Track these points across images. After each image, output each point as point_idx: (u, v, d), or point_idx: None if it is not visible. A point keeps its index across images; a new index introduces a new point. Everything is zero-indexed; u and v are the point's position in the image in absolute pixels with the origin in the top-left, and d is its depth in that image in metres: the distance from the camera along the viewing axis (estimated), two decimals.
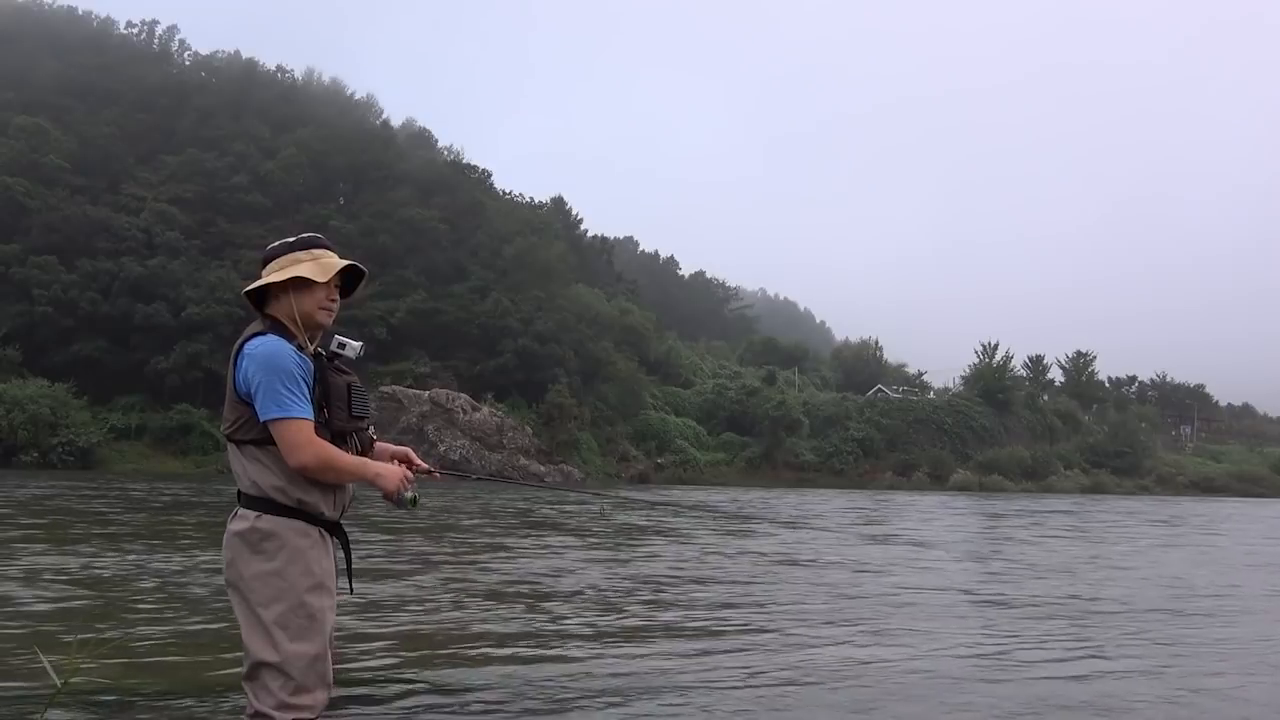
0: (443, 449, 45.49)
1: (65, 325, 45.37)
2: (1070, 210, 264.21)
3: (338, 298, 2.97)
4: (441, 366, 51.41)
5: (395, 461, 3.07)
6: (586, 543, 14.08)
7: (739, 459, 59.56)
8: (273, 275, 2.88)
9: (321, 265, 2.88)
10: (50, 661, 2.93)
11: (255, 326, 2.87)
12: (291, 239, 2.97)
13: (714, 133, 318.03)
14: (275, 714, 2.72)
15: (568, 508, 21.41)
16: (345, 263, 2.94)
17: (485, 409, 48.99)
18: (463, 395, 49.00)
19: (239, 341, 2.85)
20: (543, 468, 48.40)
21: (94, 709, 4.46)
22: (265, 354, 2.75)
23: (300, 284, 2.87)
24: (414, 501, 2.94)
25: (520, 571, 10.37)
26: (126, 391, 45.67)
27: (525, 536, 14.79)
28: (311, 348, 2.92)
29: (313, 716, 2.77)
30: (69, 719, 4.31)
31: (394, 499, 2.91)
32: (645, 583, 9.69)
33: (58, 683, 2.76)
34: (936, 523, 22.62)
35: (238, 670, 2.90)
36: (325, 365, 2.90)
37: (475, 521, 17.43)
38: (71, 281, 45.95)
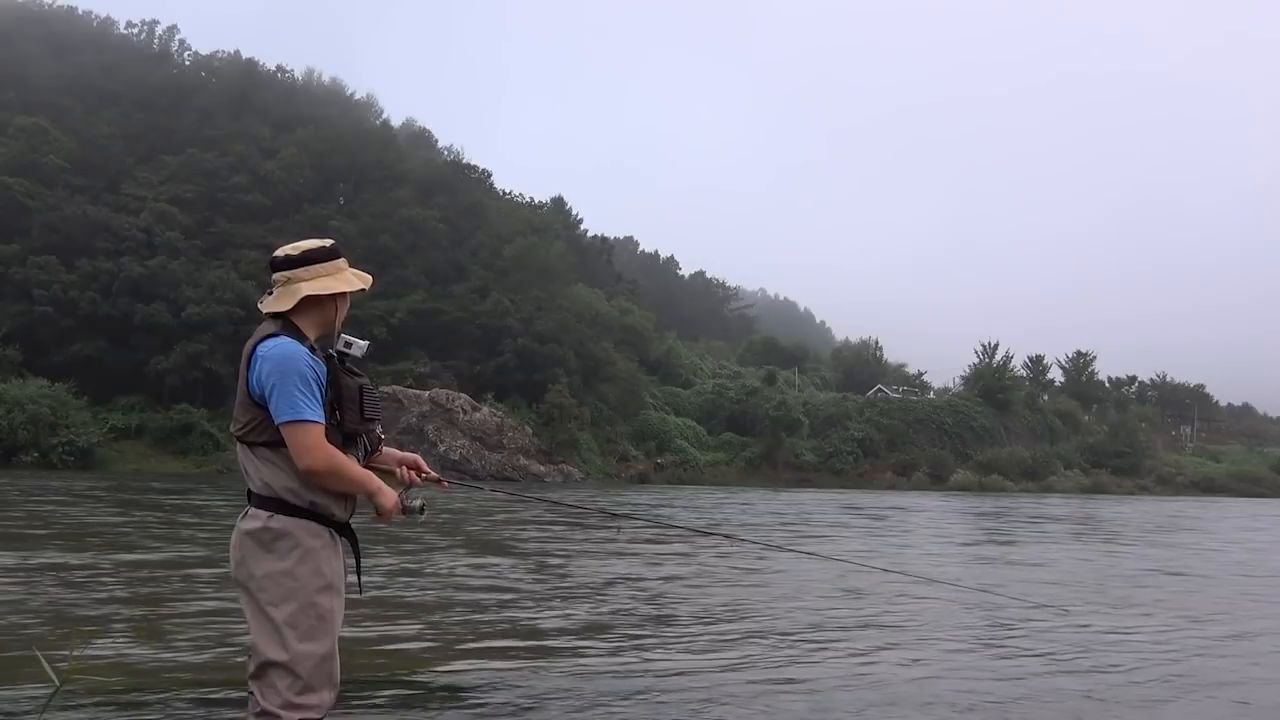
0: (443, 449, 45.46)
1: (65, 325, 45.34)
2: (1072, 212, 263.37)
3: None
4: (441, 366, 51.39)
5: (403, 468, 3.08)
6: (582, 543, 14.06)
7: (739, 459, 59.57)
8: (336, 283, 2.90)
9: (361, 276, 3.00)
10: (48, 659, 2.89)
11: (267, 328, 2.86)
12: (327, 243, 2.97)
13: (719, 138, 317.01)
14: (282, 713, 2.71)
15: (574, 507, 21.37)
16: (368, 278, 3.04)
17: (485, 409, 48.98)
18: (463, 395, 48.98)
19: (251, 343, 2.83)
20: (543, 468, 48.40)
21: (94, 708, 4.44)
22: (280, 356, 2.76)
23: (342, 294, 2.96)
24: (421, 510, 2.94)
25: (520, 573, 10.35)
26: (126, 391, 45.67)
27: (523, 537, 14.77)
28: (319, 351, 2.90)
29: (319, 716, 2.77)
30: (69, 718, 4.29)
31: (386, 519, 2.91)
32: (645, 587, 9.67)
33: (56, 682, 2.73)
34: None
35: (242, 666, 2.87)
36: (337, 367, 2.91)
37: (475, 521, 17.40)
38: (71, 281, 45.92)
